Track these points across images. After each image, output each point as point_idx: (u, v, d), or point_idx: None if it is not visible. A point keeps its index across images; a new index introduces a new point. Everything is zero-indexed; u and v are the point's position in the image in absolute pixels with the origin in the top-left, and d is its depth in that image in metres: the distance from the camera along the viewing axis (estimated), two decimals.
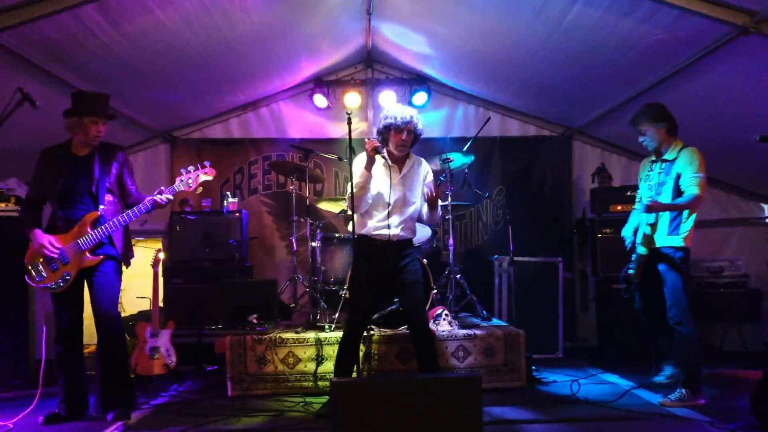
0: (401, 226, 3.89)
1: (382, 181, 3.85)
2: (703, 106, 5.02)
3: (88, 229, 3.83)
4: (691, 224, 4.15)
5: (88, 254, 3.85)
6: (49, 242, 3.78)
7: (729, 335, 5.79)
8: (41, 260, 3.82)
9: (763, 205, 6.59)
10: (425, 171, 4.05)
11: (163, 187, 4.03)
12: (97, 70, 4.65)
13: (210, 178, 4.16)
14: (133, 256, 4.22)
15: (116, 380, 3.94)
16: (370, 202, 3.87)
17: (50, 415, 3.88)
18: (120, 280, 4.05)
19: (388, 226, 3.85)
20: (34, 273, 3.84)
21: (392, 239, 3.86)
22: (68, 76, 4.59)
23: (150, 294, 5.08)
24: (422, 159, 4.09)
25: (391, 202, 3.85)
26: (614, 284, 5.55)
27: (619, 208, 5.88)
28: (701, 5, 3.79)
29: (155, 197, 3.93)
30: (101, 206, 3.90)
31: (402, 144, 3.84)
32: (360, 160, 3.87)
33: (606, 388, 4.52)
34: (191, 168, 4.09)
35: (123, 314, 5.79)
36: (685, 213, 4.12)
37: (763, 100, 4.54)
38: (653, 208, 4.05)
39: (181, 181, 4.03)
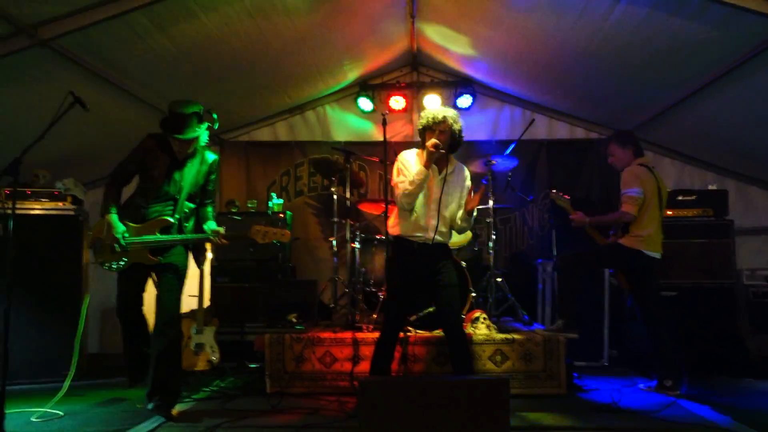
0: (438, 229, 3.88)
1: None
2: (758, 108, 4.82)
3: (157, 232, 3.97)
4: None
5: (148, 254, 3.98)
6: (122, 234, 3.89)
7: None
8: (107, 242, 3.93)
9: None
10: (465, 177, 4.03)
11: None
12: (147, 74, 4.84)
13: (285, 240, 4.25)
14: (205, 259, 4.45)
15: (167, 378, 3.98)
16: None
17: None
18: (183, 279, 4.16)
19: (426, 229, 3.86)
20: (95, 248, 4.01)
21: (428, 242, 3.87)
22: (121, 81, 4.79)
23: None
24: (463, 165, 4.08)
25: (430, 204, 3.86)
26: (663, 292, 5.37)
27: (670, 213, 5.70)
28: (751, 2, 3.64)
29: (211, 237, 4.08)
30: (177, 215, 4.03)
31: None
32: (410, 157, 3.88)
33: (651, 399, 4.37)
34: (270, 225, 4.20)
35: None
36: None
37: None
38: None
39: (256, 231, 4.12)
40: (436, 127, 3.79)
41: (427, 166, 3.77)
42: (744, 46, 4.11)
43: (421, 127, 3.89)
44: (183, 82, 5.16)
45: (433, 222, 3.86)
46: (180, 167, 4.05)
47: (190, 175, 4.06)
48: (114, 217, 3.93)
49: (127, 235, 3.92)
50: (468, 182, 4.03)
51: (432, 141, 3.74)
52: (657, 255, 4.52)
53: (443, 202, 3.88)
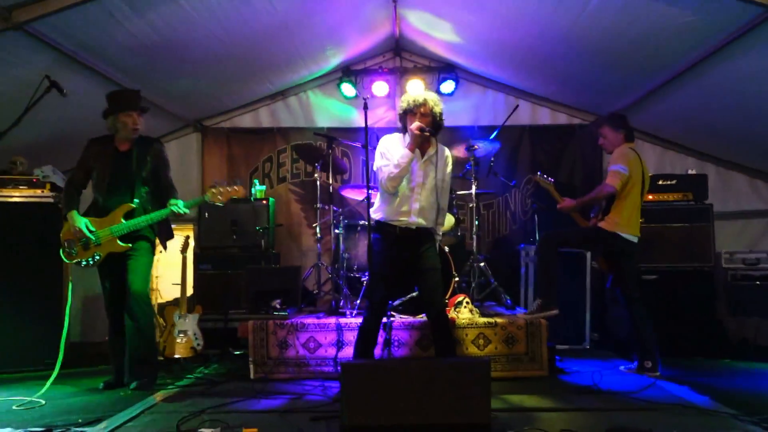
0: (421, 213, 3.88)
1: None
2: (737, 93, 4.87)
3: (121, 219, 4.19)
4: None
5: (118, 241, 4.20)
6: (85, 225, 4.17)
7: (763, 329, 5.59)
8: (75, 239, 4.20)
9: None
10: (447, 159, 4.02)
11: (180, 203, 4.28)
12: (127, 60, 4.77)
13: (239, 196, 4.40)
14: (171, 238, 4.57)
15: (142, 355, 4.24)
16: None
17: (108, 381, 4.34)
18: (151, 260, 4.37)
19: (408, 213, 3.85)
20: (68, 250, 4.24)
21: (411, 226, 3.87)
22: (101, 66, 4.73)
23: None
24: (445, 148, 4.07)
25: (413, 188, 3.85)
26: (644, 276, 5.44)
27: (651, 197, 5.74)
28: None
29: (172, 209, 4.21)
30: (136, 200, 4.24)
31: None
32: (391, 141, 3.88)
33: (631, 380, 4.43)
34: (224, 183, 4.36)
35: (159, 300, 5.99)
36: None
37: None
38: None
39: (213, 194, 4.31)
40: (417, 110, 3.79)
41: (411, 149, 3.76)
42: (723, 31, 4.12)
43: (401, 112, 3.89)
44: (162, 68, 5.11)
45: (416, 206, 3.86)
46: (126, 157, 4.27)
47: (137, 161, 4.26)
48: (74, 213, 4.20)
49: (93, 228, 4.17)
50: (450, 165, 4.03)
51: (416, 124, 3.73)
52: (634, 238, 4.57)
53: (426, 185, 3.87)
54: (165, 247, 4.53)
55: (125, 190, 4.24)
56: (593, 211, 4.87)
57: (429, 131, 3.77)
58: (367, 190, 3.82)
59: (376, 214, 3.96)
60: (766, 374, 4.67)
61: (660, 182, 5.71)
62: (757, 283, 5.71)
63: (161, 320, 5.13)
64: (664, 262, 5.55)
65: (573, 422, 3.35)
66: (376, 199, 4.03)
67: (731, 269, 5.84)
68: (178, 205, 4.21)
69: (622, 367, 4.77)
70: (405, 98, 3.88)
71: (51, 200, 5.23)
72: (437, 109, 3.84)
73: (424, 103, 3.79)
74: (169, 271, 6.15)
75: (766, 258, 5.79)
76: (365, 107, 3.83)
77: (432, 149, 3.92)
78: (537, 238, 5.62)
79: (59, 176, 5.44)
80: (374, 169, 3.92)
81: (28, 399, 3.97)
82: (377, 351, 4.11)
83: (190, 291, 5.42)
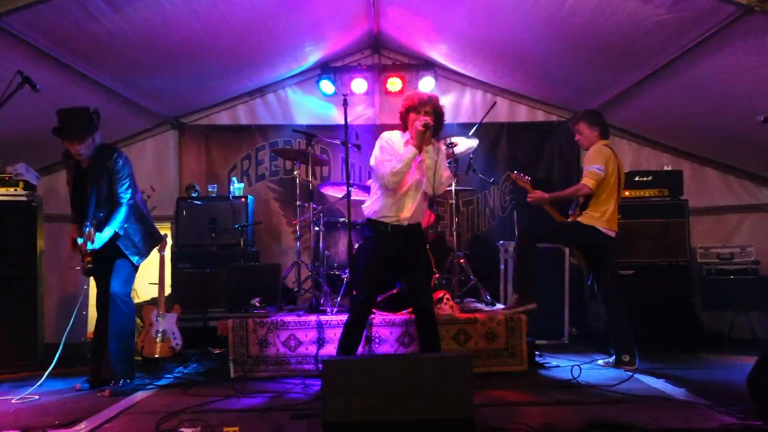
0: (413, 211, 3.86)
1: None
2: (710, 90, 4.95)
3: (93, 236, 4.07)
4: None
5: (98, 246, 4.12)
6: (86, 239, 4.04)
7: (738, 322, 5.70)
8: (79, 251, 4.12)
9: None
10: (441, 155, 3.93)
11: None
12: (102, 56, 4.69)
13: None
14: (158, 243, 4.67)
15: (120, 357, 4.19)
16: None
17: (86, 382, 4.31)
18: (131, 266, 4.33)
19: (400, 210, 3.83)
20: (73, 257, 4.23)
21: (402, 223, 3.84)
22: (75, 62, 4.65)
23: None
24: (440, 146, 4.03)
25: (407, 186, 3.82)
26: (621, 271, 5.51)
27: (627, 193, 5.80)
28: None
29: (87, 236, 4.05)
30: (88, 224, 4.07)
31: None
32: (393, 137, 3.84)
33: (609, 374, 4.48)
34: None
35: (137, 300, 5.89)
36: None
37: None
38: None
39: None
40: (422, 107, 3.76)
41: (418, 146, 3.71)
42: (697, 28, 4.18)
43: (404, 109, 3.86)
44: (138, 64, 5.03)
45: (410, 204, 3.83)
46: (85, 175, 4.18)
47: (90, 182, 4.14)
48: (72, 226, 4.23)
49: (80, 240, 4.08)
50: (444, 161, 3.97)
51: (422, 120, 3.68)
52: (612, 233, 4.63)
53: (421, 184, 3.85)
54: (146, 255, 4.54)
55: (90, 206, 4.14)
56: (572, 207, 4.91)
57: (433, 128, 3.73)
58: (348, 187, 3.80)
59: (367, 210, 3.93)
60: (739, 366, 4.74)
61: (636, 178, 5.79)
62: (731, 277, 5.81)
63: (139, 321, 5.07)
64: (640, 257, 5.62)
65: (554, 416, 3.38)
66: (370, 196, 4.00)
67: (706, 264, 5.93)
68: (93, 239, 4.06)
69: (600, 362, 4.83)
70: (410, 96, 3.86)
71: (24, 198, 5.14)
72: (440, 110, 3.83)
73: (429, 101, 3.78)
74: (146, 270, 6.04)
75: (740, 252, 5.89)
76: (345, 104, 3.82)
77: (430, 148, 3.84)
78: (516, 234, 5.65)
79: (33, 174, 5.34)
80: (372, 164, 3.87)
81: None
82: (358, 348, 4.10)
83: (168, 290, 5.35)
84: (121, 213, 4.15)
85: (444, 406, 2.83)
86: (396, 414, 2.84)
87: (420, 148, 3.73)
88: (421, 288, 3.92)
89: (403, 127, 3.89)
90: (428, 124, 3.68)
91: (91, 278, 4.41)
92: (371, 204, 3.94)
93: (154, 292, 6.01)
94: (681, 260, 5.64)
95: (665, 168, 6.07)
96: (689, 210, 5.74)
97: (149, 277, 5.99)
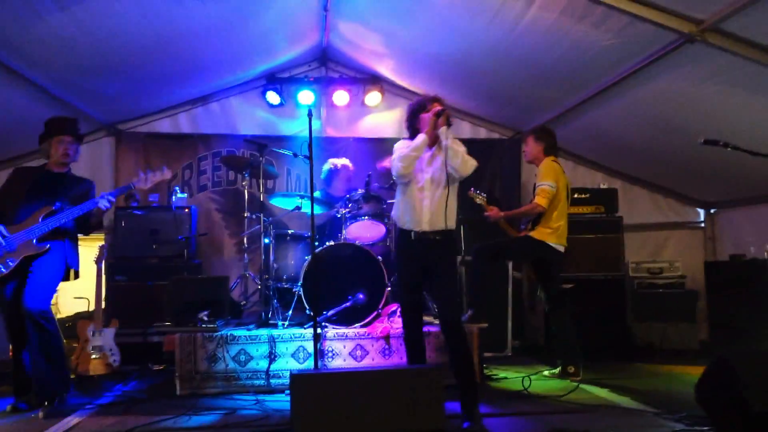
0: (432, 217, 3.66)
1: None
2: (648, 113, 5.22)
3: (39, 219, 3.96)
4: None
5: (34, 241, 3.94)
6: None
7: (668, 334, 6.01)
8: None
9: (698, 210, 6.90)
10: (451, 138, 3.67)
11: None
12: (43, 55, 4.45)
13: (166, 179, 4.50)
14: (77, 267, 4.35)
15: (48, 377, 3.95)
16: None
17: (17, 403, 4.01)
18: (57, 281, 4.12)
19: (419, 218, 3.67)
20: None
21: (425, 230, 3.66)
22: (13, 61, 4.41)
23: (89, 294, 4.94)
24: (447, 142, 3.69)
25: (420, 188, 3.69)
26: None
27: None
28: (650, 12, 3.92)
29: (98, 201, 4.08)
30: (57, 203, 4.05)
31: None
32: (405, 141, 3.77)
33: (555, 384, 4.62)
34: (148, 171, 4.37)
35: (59, 316, 5.57)
36: None
37: (706, 108, 4.73)
38: None
39: (139, 179, 4.30)
40: (430, 105, 3.69)
41: (429, 134, 3.61)
42: (641, 54, 4.42)
43: (411, 114, 3.81)
44: (81, 66, 4.79)
45: (426, 209, 3.65)
46: (56, 177, 4.22)
47: (67, 184, 4.23)
48: None
49: (5, 234, 3.88)
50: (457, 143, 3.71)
51: (436, 108, 3.60)
52: (561, 248, 4.79)
53: (435, 183, 3.68)
54: (76, 276, 4.35)
55: (48, 199, 4.04)
56: (523, 222, 5.05)
57: (447, 113, 3.60)
58: (311, 198, 3.74)
59: (393, 218, 3.90)
60: (674, 375, 5.01)
61: (575, 195, 6.01)
62: (660, 290, 6.14)
63: (69, 338, 4.79)
64: (578, 271, 5.82)
65: (513, 427, 3.45)
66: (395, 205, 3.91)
67: (637, 278, 6.26)
68: (106, 197, 4.09)
69: (546, 372, 4.96)
70: (413, 102, 3.85)
71: None
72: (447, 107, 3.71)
73: (437, 99, 3.73)
74: (72, 284, 5.73)
75: (668, 267, 6.24)
76: (309, 115, 3.78)
77: (439, 150, 3.70)
78: (463, 248, 5.75)
79: None
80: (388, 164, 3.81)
81: None
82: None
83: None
84: None
85: (417, 418, 2.82)
86: (368, 428, 2.82)
87: (431, 137, 3.62)
88: (442, 298, 3.72)
89: (411, 134, 3.81)
90: (442, 110, 3.58)
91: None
92: (393, 211, 3.90)
93: (78, 307, 5.70)
94: (616, 274, 5.90)
95: (601, 186, 6.35)
96: (623, 226, 6.02)
97: (73, 291, 5.68)
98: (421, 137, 3.63)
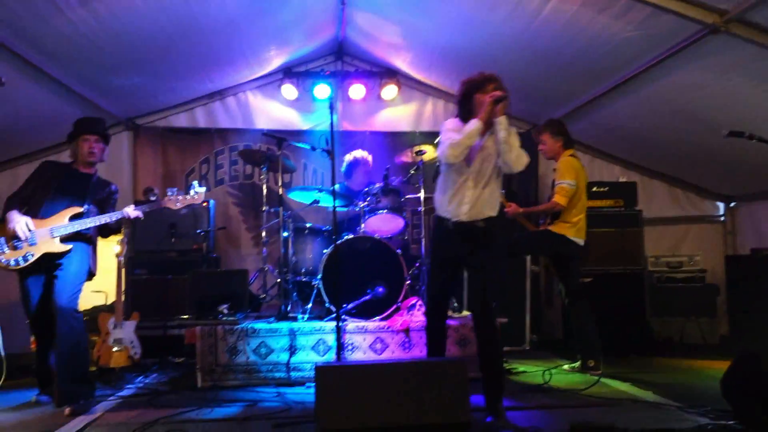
0: (475, 206, 3.46)
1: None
2: (668, 105, 5.16)
3: (66, 220, 3.96)
4: None
5: (57, 241, 3.92)
6: (25, 223, 3.84)
7: (688, 328, 5.96)
8: (7, 237, 3.86)
9: (718, 203, 6.83)
10: (513, 130, 3.48)
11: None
12: (63, 51, 4.49)
13: (197, 203, 4.39)
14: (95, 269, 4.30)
15: (75, 376, 3.91)
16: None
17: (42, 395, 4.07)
18: (82, 281, 4.09)
19: (461, 206, 3.46)
20: None
21: (463, 218, 3.47)
22: (34, 57, 4.43)
23: (106, 288, 5.02)
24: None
25: (466, 176, 3.46)
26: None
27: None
28: (673, 3, 3.87)
29: (125, 211, 4.12)
30: (86, 206, 4.06)
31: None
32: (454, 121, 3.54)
33: (575, 378, 4.59)
34: (180, 192, 4.32)
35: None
36: None
37: (729, 100, 4.67)
38: None
39: (169, 199, 4.26)
40: (489, 84, 3.37)
41: (484, 119, 3.32)
42: (662, 46, 4.37)
43: (465, 92, 3.49)
44: (100, 61, 4.83)
45: (469, 194, 3.45)
46: (83, 176, 4.20)
47: (94, 186, 4.21)
48: (15, 211, 3.90)
49: (31, 228, 3.86)
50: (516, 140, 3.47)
51: (496, 93, 3.29)
52: (581, 241, 4.76)
53: (483, 174, 3.47)
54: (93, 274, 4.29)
55: (75, 199, 4.04)
56: (542, 217, 5.03)
57: (507, 101, 3.33)
58: (333, 192, 3.74)
59: (435, 204, 3.67)
60: (695, 370, 4.97)
61: (594, 189, 5.95)
62: (680, 285, 6.09)
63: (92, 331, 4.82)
64: (598, 265, 5.77)
65: (535, 420, 3.43)
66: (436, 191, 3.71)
67: (656, 272, 6.20)
68: (140, 210, 4.16)
69: (565, 366, 4.94)
70: (469, 79, 3.49)
71: None
72: (506, 88, 3.40)
73: (495, 78, 3.40)
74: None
75: (687, 261, 6.18)
76: (331, 107, 3.79)
77: (490, 138, 3.44)
78: None
79: None
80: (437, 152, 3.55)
81: None
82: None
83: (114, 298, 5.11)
84: None
85: (441, 411, 2.82)
86: (392, 420, 2.81)
87: (487, 123, 3.35)
88: (477, 294, 3.55)
89: (463, 115, 3.51)
90: (500, 96, 3.29)
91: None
92: (435, 197, 3.66)
93: (96, 301, 5.74)
94: (636, 268, 5.84)
95: (620, 179, 6.30)
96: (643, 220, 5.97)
97: (92, 285, 5.71)
98: (475, 123, 3.34)
